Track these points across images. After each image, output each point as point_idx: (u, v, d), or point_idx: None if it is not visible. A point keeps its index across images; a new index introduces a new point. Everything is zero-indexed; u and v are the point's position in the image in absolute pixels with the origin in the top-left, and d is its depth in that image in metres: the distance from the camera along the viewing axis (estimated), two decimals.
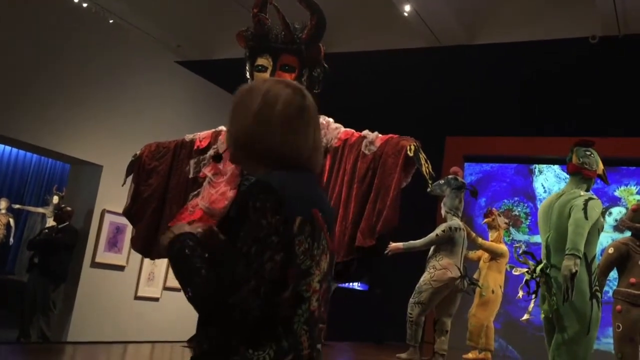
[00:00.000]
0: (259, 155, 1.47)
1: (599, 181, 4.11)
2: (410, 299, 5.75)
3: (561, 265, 3.61)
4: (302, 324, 1.35)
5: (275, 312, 1.31)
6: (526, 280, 3.96)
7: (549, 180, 10.48)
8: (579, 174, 3.94)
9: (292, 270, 1.33)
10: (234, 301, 1.27)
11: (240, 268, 1.29)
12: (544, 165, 10.57)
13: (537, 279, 3.82)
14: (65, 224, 7.01)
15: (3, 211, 11.70)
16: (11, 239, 11.78)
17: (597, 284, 3.74)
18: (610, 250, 4.93)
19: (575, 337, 3.64)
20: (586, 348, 3.66)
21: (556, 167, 10.24)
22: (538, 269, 3.75)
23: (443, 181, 6.13)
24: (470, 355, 7.13)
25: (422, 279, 5.74)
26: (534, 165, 10.71)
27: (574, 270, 3.49)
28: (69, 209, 7.16)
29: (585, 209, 3.63)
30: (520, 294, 4.05)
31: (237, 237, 1.32)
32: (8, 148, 12.63)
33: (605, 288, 5.20)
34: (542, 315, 3.77)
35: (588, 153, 3.96)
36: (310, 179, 1.52)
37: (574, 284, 3.52)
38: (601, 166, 4.00)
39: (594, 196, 3.83)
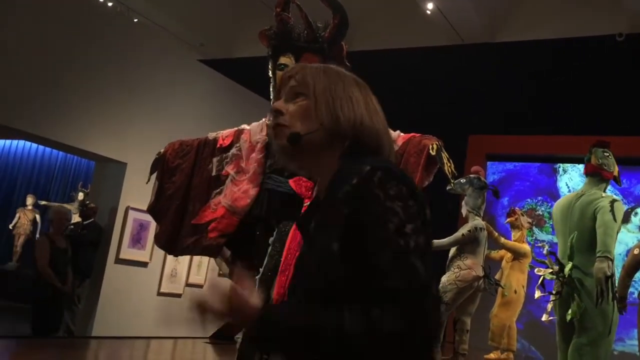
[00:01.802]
0: (344, 135, 1.24)
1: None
2: None
3: (583, 267, 3.60)
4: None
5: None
6: (542, 280, 3.94)
7: (573, 179, 10.35)
8: (598, 175, 3.92)
9: None
10: (429, 304, 1.06)
11: (419, 266, 1.06)
12: (568, 165, 10.44)
13: (563, 280, 3.79)
14: (90, 221, 7.11)
15: (29, 207, 11.92)
16: (37, 235, 11.99)
17: (616, 285, 3.73)
18: (636, 251, 4.85)
19: (598, 339, 3.63)
20: (607, 349, 3.67)
21: (581, 166, 10.09)
22: (567, 269, 3.71)
23: (465, 180, 6.09)
24: (492, 355, 7.08)
25: (445, 279, 5.71)
26: (558, 164, 10.58)
27: (608, 273, 3.49)
28: (93, 205, 7.26)
29: (612, 211, 3.62)
30: (538, 294, 4.02)
31: (360, 236, 1.08)
32: (35, 145, 12.86)
33: (630, 289, 5.14)
34: (568, 318, 3.72)
35: (606, 154, 3.95)
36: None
37: (609, 286, 3.52)
38: (616, 168, 3.98)
39: (617, 197, 3.82)
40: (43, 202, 11.83)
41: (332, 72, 1.31)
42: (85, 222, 7.17)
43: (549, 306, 4.02)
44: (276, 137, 1.28)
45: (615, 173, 3.98)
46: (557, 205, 4.07)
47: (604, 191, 3.89)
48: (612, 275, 3.53)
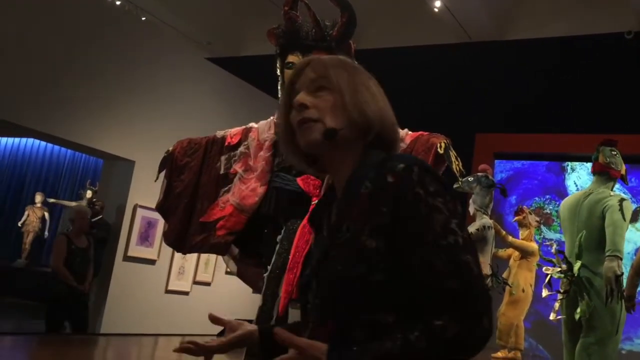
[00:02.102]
0: (367, 128, 1.22)
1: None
2: None
3: (591, 265, 3.60)
4: None
5: None
6: (549, 279, 3.94)
7: (581, 177, 10.31)
8: (606, 174, 3.92)
9: None
10: (484, 300, 1.08)
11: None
12: (577, 163, 10.40)
13: (571, 278, 3.78)
14: (98, 218, 7.14)
15: (38, 205, 11.99)
16: (46, 232, 12.06)
17: (624, 284, 3.72)
18: None
19: (606, 338, 3.63)
20: (614, 348, 3.67)
21: (589, 164, 10.02)
22: (576, 268, 3.71)
23: (472, 178, 6.08)
24: (499, 354, 7.07)
25: None
26: (566, 163, 10.54)
27: (619, 273, 3.49)
28: (100, 202, 7.28)
29: (621, 210, 3.62)
30: (545, 292, 4.02)
31: (406, 235, 1.08)
32: (43, 143, 12.93)
33: (639, 288, 5.12)
34: (577, 317, 3.71)
35: (614, 153, 3.94)
36: None
37: (619, 286, 3.52)
38: (624, 166, 3.98)
39: (625, 196, 3.82)
40: (52, 200, 11.90)
41: (348, 64, 1.29)
42: (93, 220, 7.20)
43: (556, 305, 4.01)
44: (305, 131, 1.22)
45: (623, 172, 3.98)
46: (565, 203, 4.06)
47: (612, 190, 3.89)
48: (622, 274, 3.53)
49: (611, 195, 3.76)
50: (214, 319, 1.31)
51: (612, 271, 3.49)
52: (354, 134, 1.21)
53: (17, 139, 13.65)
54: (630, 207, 3.72)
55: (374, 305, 1.09)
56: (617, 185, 4.14)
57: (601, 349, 3.62)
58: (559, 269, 3.83)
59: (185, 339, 1.28)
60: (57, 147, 12.65)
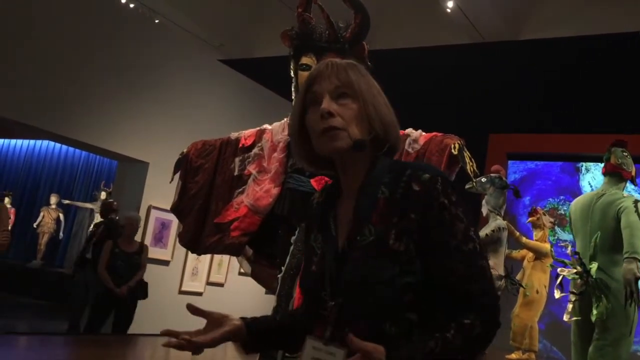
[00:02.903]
0: (383, 137, 1.27)
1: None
2: None
3: (605, 267, 3.60)
4: None
5: None
6: (561, 280, 3.93)
7: (596, 178, 10.23)
8: (618, 175, 3.92)
9: None
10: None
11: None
12: (591, 163, 10.32)
13: (586, 280, 3.76)
14: (110, 218, 7.19)
15: (53, 206, 12.10)
16: (61, 234, 12.16)
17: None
18: None
19: (620, 339, 3.64)
20: (628, 349, 3.68)
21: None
22: (593, 270, 3.69)
23: (486, 179, 6.05)
24: (513, 355, 7.03)
25: None
26: (580, 163, 10.46)
27: (639, 275, 3.48)
28: (110, 201, 7.36)
29: (637, 211, 3.61)
30: (557, 293, 4.00)
31: (432, 241, 1.19)
32: (58, 145, 13.05)
33: None
34: (594, 318, 3.69)
35: (625, 154, 3.95)
36: None
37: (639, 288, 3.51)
38: (634, 168, 3.98)
39: (639, 198, 3.81)
40: (66, 202, 12.00)
41: (363, 69, 1.32)
42: (106, 220, 7.25)
43: (570, 306, 3.99)
44: (331, 139, 1.23)
45: (633, 173, 3.99)
46: (576, 203, 4.04)
47: (623, 191, 3.88)
48: None
49: (625, 197, 3.75)
50: (194, 310, 1.36)
51: (631, 273, 3.50)
52: (373, 142, 1.27)
53: (32, 141, 13.78)
54: None
55: (404, 305, 1.18)
56: (629, 187, 4.12)
57: (615, 350, 3.62)
58: (575, 270, 3.81)
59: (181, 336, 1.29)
60: (71, 149, 12.76)
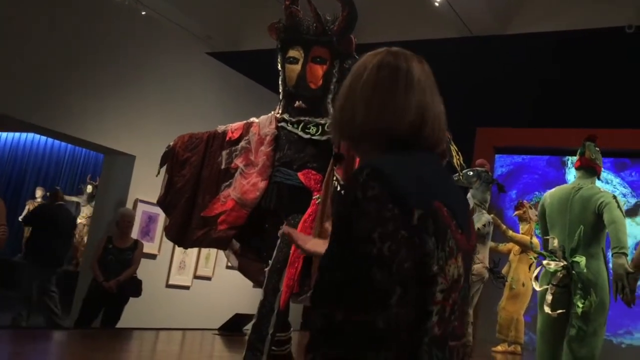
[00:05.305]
0: (360, 137, 1.22)
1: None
2: None
3: (586, 260, 3.66)
4: (425, 345, 1.07)
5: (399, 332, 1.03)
6: (537, 273, 4.00)
7: None
8: (592, 169, 3.98)
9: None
10: (385, 322, 0.99)
11: (377, 276, 1.00)
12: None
13: (572, 273, 3.80)
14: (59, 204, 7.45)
15: (39, 199, 12.00)
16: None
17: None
18: None
19: (599, 329, 3.73)
20: (603, 336, 3.80)
21: None
22: (582, 264, 3.73)
23: (472, 173, 6.08)
24: (499, 348, 7.09)
25: None
26: (566, 157, 10.54)
27: (630, 269, 3.55)
28: (58, 188, 7.79)
29: (619, 206, 3.67)
30: (537, 286, 4.04)
31: (346, 240, 1.05)
32: (43, 138, 12.94)
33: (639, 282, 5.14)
34: (579, 310, 3.72)
35: (597, 149, 4.03)
36: (429, 161, 1.23)
37: (630, 282, 3.58)
38: (602, 163, 4.10)
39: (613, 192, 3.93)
40: None
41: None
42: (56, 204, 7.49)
43: (549, 298, 4.01)
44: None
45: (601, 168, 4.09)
46: (553, 196, 4.05)
47: (596, 185, 3.96)
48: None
49: (602, 192, 3.83)
50: None
51: (622, 268, 3.57)
52: (351, 144, 1.33)
53: (17, 134, 13.65)
54: (622, 203, 3.80)
55: (329, 298, 1.05)
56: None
57: (595, 339, 3.72)
58: (563, 264, 3.84)
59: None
60: (57, 142, 12.65)
